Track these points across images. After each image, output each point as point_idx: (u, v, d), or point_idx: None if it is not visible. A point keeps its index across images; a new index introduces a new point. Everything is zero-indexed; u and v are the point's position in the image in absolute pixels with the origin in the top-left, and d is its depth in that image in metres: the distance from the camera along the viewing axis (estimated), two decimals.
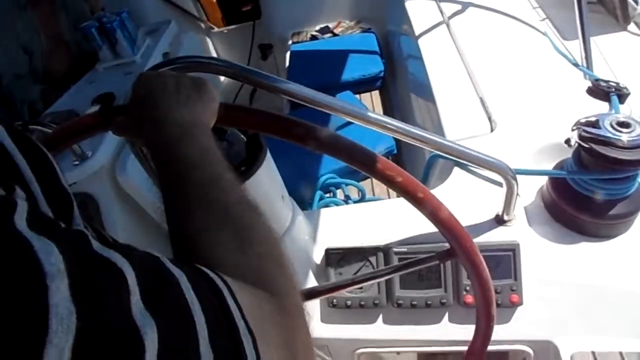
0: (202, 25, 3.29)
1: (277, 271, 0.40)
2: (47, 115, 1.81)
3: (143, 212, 1.67)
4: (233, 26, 3.37)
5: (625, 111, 1.29)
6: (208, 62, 0.86)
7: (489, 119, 1.32)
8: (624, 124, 0.98)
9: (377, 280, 0.97)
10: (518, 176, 0.98)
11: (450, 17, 1.81)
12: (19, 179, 0.32)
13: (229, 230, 0.41)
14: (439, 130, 1.41)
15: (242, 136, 0.91)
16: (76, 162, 1.55)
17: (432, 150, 0.95)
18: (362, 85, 2.08)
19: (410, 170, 1.69)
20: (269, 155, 0.90)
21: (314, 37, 2.51)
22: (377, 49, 2.20)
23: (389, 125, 0.88)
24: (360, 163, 0.71)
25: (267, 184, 0.90)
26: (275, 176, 0.95)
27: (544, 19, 1.85)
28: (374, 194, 1.57)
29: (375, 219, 1.14)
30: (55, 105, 1.97)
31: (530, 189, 1.15)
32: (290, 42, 2.60)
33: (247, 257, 0.39)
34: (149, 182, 0.94)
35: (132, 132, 0.60)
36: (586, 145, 0.98)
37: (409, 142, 0.90)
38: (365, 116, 0.87)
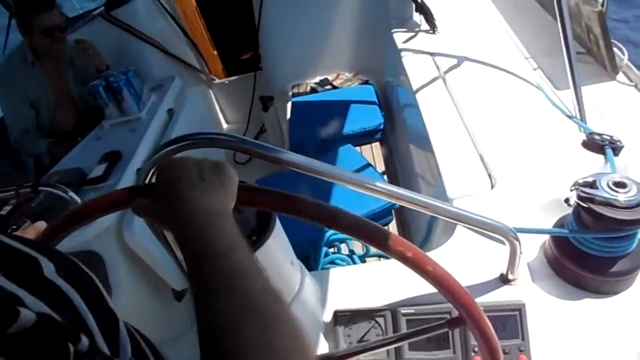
0: (204, 77, 3.38)
1: None
2: (55, 173, 1.84)
3: (149, 270, 1.68)
4: (234, 77, 3.47)
5: (620, 163, 1.33)
6: (218, 138, 0.90)
7: (489, 175, 1.35)
8: (620, 184, 1.01)
9: (388, 347, 0.98)
10: (521, 235, 1.00)
11: (446, 72, 1.87)
12: (77, 317, 0.35)
13: (256, 322, 0.42)
14: (440, 186, 1.44)
15: None
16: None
17: (435, 215, 0.98)
18: (362, 138, 2.14)
19: (413, 224, 1.71)
20: (278, 222, 0.93)
21: (313, 89, 2.59)
22: (376, 100, 2.27)
23: (390, 193, 0.91)
24: (367, 238, 0.74)
25: (277, 251, 0.92)
26: (285, 242, 0.97)
27: (536, 69, 1.92)
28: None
29: (382, 279, 1.16)
30: (62, 162, 2.00)
31: (533, 245, 1.17)
32: (290, 93, 2.67)
33: (276, 350, 0.41)
34: (156, 240, 0.95)
35: (156, 217, 0.61)
36: (585, 206, 1.01)
37: (411, 207, 0.93)
38: (368, 184, 0.90)
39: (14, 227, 1.63)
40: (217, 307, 0.43)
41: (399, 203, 0.94)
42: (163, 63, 3.04)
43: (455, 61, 1.96)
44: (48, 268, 0.36)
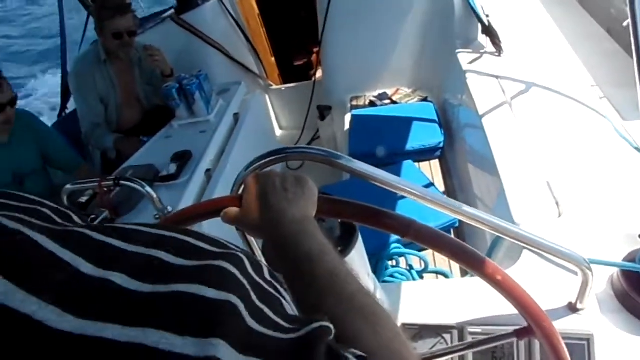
0: (262, 82, 3.48)
1: (407, 351, 0.47)
2: (129, 168, 1.95)
3: None
4: (291, 84, 3.55)
5: None
6: (309, 152, 0.95)
7: (556, 203, 1.37)
8: None
9: (453, 354, 1.01)
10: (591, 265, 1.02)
11: (512, 96, 1.88)
12: None
13: (360, 318, 0.47)
14: (503, 209, 1.46)
15: None
16: (157, 216, 1.66)
17: (504, 237, 1.00)
18: (422, 154, 2.17)
19: (472, 243, 1.73)
20: (360, 238, 0.97)
21: (372, 102, 2.63)
22: (436, 118, 2.30)
23: (460, 211, 0.94)
24: (450, 253, 0.78)
25: (358, 262, 0.97)
26: (364, 253, 1.02)
27: (602, 98, 1.91)
28: (435, 265, 1.62)
29: (445, 296, 1.19)
30: (134, 157, 2.11)
31: (599, 276, 1.18)
32: (349, 105, 2.73)
33: (384, 340, 0.46)
34: (229, 237, 1.01)
35: (248, 225, 0.67)
36: None
37: (482, 228, 0.95)
38: (438, 200, 0.93)
39: (93, 216, 1.74)
40: (322, 308, 0.47)
41: (469, 222, 0.96)
42: (226, 67, 3.15)
43: (521, 85, 1.97)
44: None
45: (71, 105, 3.05)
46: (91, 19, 3.06)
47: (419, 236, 0.77)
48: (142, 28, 2.92)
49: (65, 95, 3.09)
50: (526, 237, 0.97)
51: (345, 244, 0.94)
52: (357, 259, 0.96)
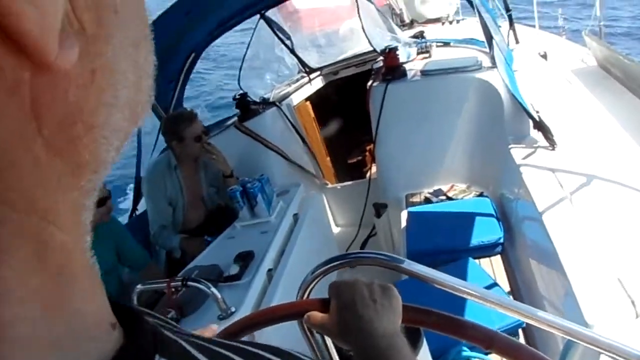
0: (319, 182, 3.62)
1: None
2: (195, 268, 2.04)
3: None
4: (347, 183, 3.67)
5: None
6: (373, 257, 0.99)
7: (632, 303, 1.30)
8: None
9: None
10: None
11: (572, 191, 1.87)
12: None
13: None
14: (573, 309, 1.40)
15: None
16: (221, 317, 1.70)
17: (582, 343, 0.96)
18: (482, 251, 2.13)
19: (542, 344, 1.64)
20: (425, 342, 0.97)
21: (427, 199, 2.66)
22: (493, 213, 2.29)
23: (525, 313, 0.92)
24: None
25: None
26: (429, 357, 1.01)
27: None
28: None
29: None
30: (199, 258, 2.21)
31: None
32: (404, 202, 2.77)
33: None
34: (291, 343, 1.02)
35: (334, 332, 0.69)
36: None
37: (554, 332, 0.92)
38: (503, 303, 0.93)
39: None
40: None
41: (539, 325, 0.94)
42: (285, 169, 3.32)
43: (579, 178, 1.96)
44: None
45: (140, 207, 3.26)
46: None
47: (503, 349, 0.77)
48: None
49: (137, 198, 3.32)
50: (603, 342, 0.93)
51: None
52: None
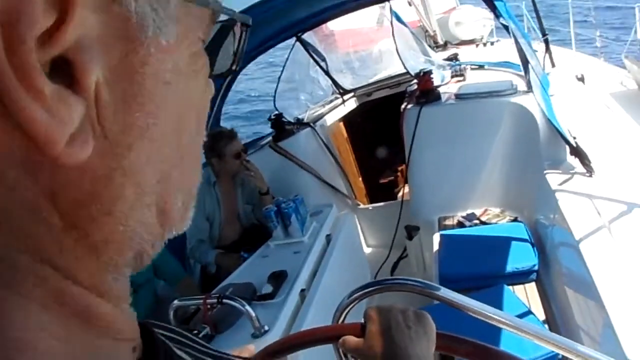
0: (351, 202, 3.64)
1: None
2: (229, 285, 2.08)
3: None
4: (379, 204, 3.68)
5: None
6: (404, 283, 1.01)
7: None
8: None
9: None
10: None
11: (610, 219, 1.84)
12: None
13: None
14: (611, 341, 1.38)
15: None
16: (255, 335, 1.73)
17: None
18: (515, 277, 2.11)
19: None
20: None
21: (460, 223, 2.65)
22: (527, 239, 2.26)
23: (563, 347, 0.91)
24: None
25: None
26: None
27: None
28: None
29: None
30: (234, 275, 2.25)
31: None
32: (437, 225, 2.76)
33: None
34: None
35: (369, 356, 0.70)
36: None
37: None
38: (538, 334, 0.93)
39: (195, 331, 1.85)
40: None
41: (574, 358, 0.94)
42: (318, 189, 3.36)
43: (618, 206, 1.93)
44: None
45: None
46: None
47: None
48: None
49: None
50: None
51: None
52: None
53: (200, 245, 2.87)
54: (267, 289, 1.96)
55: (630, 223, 1.82)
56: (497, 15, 2.65)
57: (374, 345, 0.69)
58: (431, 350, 0.69)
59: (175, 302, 1.89)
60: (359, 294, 1.00)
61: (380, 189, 4.30)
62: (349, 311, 1.02)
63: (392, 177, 4.53)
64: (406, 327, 0.68)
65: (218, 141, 2.77)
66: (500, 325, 0.94)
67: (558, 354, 1.66)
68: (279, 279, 2.03)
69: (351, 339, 0.75)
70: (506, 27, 2.62)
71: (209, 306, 1.82)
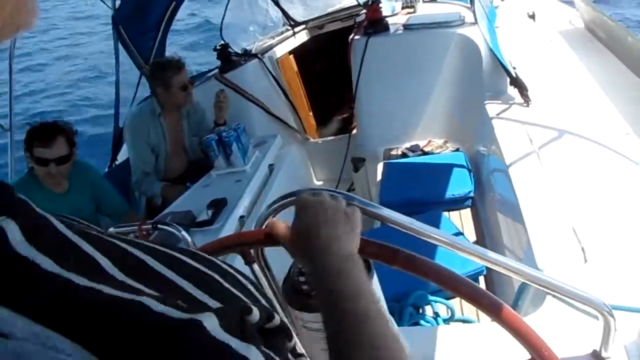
0: (299, 136, 3.61)
1: None
2: (168, 214, 2.06)
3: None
4: (328, 138, 3.67)
5: None
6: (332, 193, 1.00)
7: (582, 249, 1.35)
8: None
9: None
10: (616, 312, 1.00)
11: (540, 145, 1.90)
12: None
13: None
14: (529, 256, 1.45)
15: None
16: None
17: (526, 282, 1.00)
18: (452, 204, 2.18)
19: (500, 292, 1.71)
20: (375, 276, 1.00)
21: (404, 154, 2.68)
22: (465, 167, 2.32)
23: (485, 257, 0.96)
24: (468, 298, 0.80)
25: None
26: (381, 295, 1.04)
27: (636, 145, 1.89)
28: (462, 314, 1.60)
29: (468, 343, 1.18)
30: (174, 205, 2.23)
31: (630, 327, 1.14)
32: (382, 157, 2.79)
33: None
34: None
35: (292, 250, 0.68)
36: None
37: (503, 272, 0.96)
38: (467, 248, 0.96)
39: None
40: (354, 346, 0.49)
41: (492, 267, 0.98)
42: (265, 121, 3.31)
43: (549, 133, 1.99)
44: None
45: (120, 157, 3.25)
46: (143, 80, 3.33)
47: (461, 292, 0.81)
48: None
49: (116, 148, 3.31)
50: (545, 281, 0.98)
51: None
52: None
53: (146, 178, 2.80)
54: (206, 215, 1.95)
55: (558, 150, 1.89)
56: None
57: (299, 236, 0.65)
58: (355, 248, 0.65)
59: (111, 229, 1.86)
60: (280, 203, 0.99)
61: (334, 124, 4.26)
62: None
63: (347, 114, 4.50)
64: (334, 221, 0.65)
65: (165, 71, 2.65)
66: (429, 240, 0.94)
67: (482, 270, 1.76)
68: (218, 206, 2.02)
69: (279, 224, 0.71)
70: None
71: (144, 232, 1.79)
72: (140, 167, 2.80)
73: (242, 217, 2.02)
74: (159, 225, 1.73)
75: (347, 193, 0.96)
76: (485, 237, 2.07)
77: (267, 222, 1.01)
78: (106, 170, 3.25)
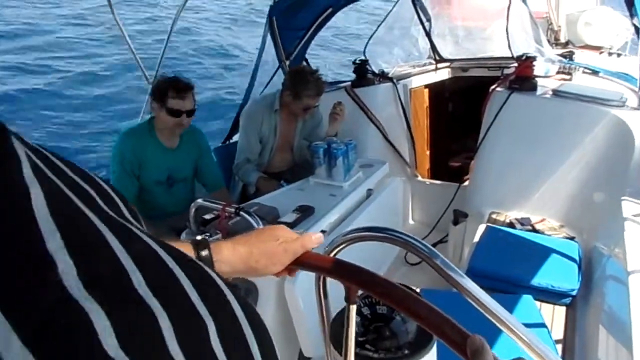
0: (409, 170, 3.49)
1: None
2: (255, 204, 2.07)
3: (289, 324, 1.73)
4: (437, 182, 3.51)
5: None
6: (410, 242, 0.88)
7: None
8: None
9: None
10: None
11: None
12: None
13: None
14: None
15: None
16: None
17: None
18: (547, 295, 1.92)
19: None
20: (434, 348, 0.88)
21: (511, 224, 2.46)
22: (576, 261, 2.06)
23: None
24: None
25: None
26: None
27: None
28: None
29: None
30: (265, 198, 2.24)
31: None
32: (486, 218, 2.59)
33: None
34: (310, 302, 0.99)
35: None
36: None
37: None
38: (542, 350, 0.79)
39: (207, 234, 1.85)
40: None
41: None
42: (379, 146, 3.25)
43: None
44: None
45: (234, 139, 3.39)
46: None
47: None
48: None
49: (234, 127, 3.44)
50: None
51: (414, 350, 0.87)
52: None
53: (247, 164, 2.88)
54: (290, 217, 1.93)
55: None
56: (632, 14, 2.33)
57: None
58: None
59: (198, 200, 1.90)
60: (353, 235, 0.92)
61: (447, 170, 4.09)
62: (341, 249, 0.94)
63: (461, 163, 4.30)
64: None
65: (305, 85, 2.70)
66: (506, 331, 0.80)
67: None
68: (305, 212, 1.98)
69: None
70: (637, 30, 2.30)
71: (226, 215, 1.81)
72: (245, 152, 2.88)
73: (323, 231, 1.96)
74: (242, 212, 1.73)
75: (431, 247, 0.85)
76: (576, 345, 1.80)
77: (338, 249, 0.95)
78: (219, 145, 3.40)
